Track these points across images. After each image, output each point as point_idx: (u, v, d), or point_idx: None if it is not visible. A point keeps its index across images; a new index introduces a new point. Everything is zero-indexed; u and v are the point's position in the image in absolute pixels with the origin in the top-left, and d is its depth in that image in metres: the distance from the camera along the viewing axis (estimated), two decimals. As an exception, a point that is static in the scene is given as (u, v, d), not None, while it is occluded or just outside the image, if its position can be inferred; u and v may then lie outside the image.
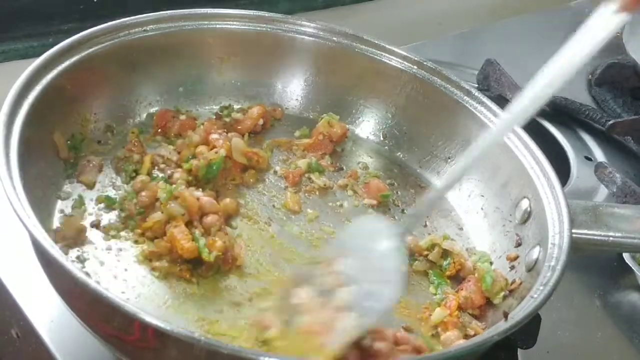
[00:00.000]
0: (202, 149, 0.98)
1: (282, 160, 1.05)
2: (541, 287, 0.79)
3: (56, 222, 0.87)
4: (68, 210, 0.89)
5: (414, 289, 0.92)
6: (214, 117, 1.07)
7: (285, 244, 0.93)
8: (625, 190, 1.17)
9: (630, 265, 1.04)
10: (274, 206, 0.98)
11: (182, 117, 1.04)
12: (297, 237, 0.95)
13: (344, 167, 1.06)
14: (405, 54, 1.09)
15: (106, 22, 0.98)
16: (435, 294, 0.92)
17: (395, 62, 1.09)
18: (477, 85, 1.36)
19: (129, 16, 1.00)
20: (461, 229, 1.01)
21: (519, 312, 0.77)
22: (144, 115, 1.04)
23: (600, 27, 0.74)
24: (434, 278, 0.94)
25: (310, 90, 1.12)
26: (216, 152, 0.96)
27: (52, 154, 0.91)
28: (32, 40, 1.25)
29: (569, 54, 0.75)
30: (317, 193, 1.02)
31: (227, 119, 1.06)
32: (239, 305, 0.84)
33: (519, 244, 0.93)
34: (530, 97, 0.76)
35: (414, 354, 0.80)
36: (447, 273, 0.94)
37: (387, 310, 0.80)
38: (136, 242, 0.87)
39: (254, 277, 0.88)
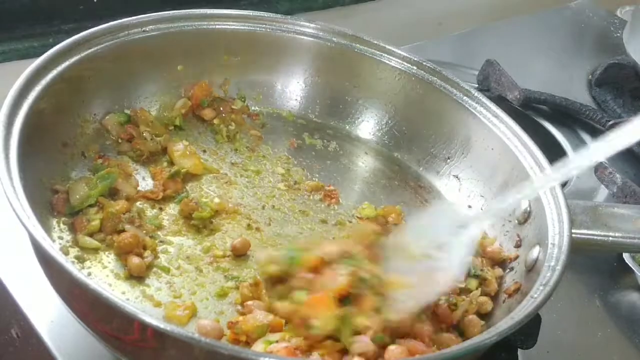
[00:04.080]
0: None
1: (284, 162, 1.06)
2: (541, 287, 0.79)
3: (56, 222, 0.87)
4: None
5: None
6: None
7: (285, 244, 0.93)
8: (626, 191, 1.17)
9: (630, 265, 1.04)
10: (273, 206, 0.98)
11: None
12: (296, 237, 0.95)
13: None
14: (405, 54, 1.09)
15: (106, 22, 0.98)
16: None
17: (395, 62, 1.09)
18: (477, 86, 1.35)
19: (129, 16, 1.00)
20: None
21: (519, 312, 0.77)
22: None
23: None
24: None
25: (310, 90, 1.12)
26: None
27: (52, 154, 0.91)
28: (32, 40, 1.25)
29: None
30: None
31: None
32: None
33: (519, 245, 0.93)
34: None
35: None
36: None
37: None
38: None
39: (254, 277, 0.88)
